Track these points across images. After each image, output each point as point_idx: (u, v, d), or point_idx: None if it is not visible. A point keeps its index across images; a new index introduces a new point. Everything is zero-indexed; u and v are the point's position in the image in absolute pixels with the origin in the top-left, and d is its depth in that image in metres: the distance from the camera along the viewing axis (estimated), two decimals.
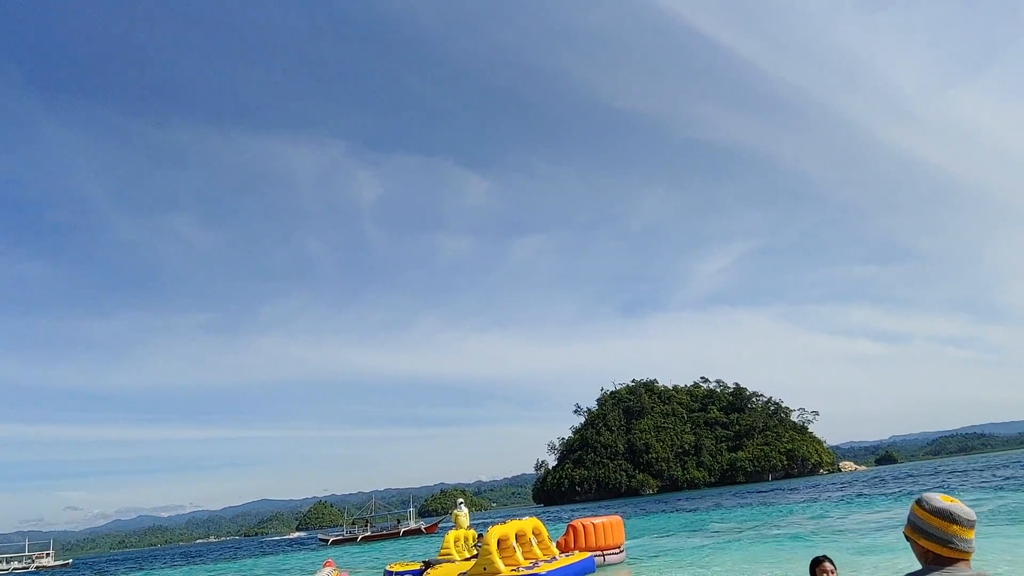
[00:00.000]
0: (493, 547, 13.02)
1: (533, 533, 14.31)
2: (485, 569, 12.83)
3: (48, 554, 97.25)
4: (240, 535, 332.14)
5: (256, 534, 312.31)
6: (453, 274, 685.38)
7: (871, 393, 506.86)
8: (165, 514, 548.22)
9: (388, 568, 20.76)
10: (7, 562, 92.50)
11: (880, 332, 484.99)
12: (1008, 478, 41.20)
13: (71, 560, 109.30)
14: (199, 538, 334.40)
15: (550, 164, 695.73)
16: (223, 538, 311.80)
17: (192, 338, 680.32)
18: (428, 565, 18.15)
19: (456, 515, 20.40)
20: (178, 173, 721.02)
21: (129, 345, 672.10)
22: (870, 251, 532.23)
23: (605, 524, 15.74)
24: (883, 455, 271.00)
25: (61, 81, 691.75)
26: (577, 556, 13.97)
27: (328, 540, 69.51)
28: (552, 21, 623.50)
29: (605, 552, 15.42)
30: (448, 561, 17.55)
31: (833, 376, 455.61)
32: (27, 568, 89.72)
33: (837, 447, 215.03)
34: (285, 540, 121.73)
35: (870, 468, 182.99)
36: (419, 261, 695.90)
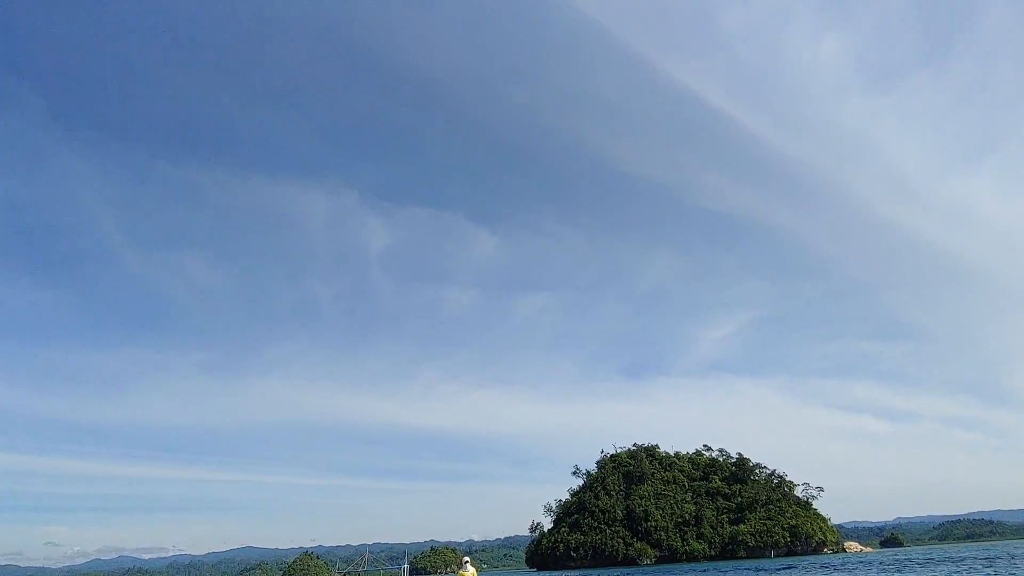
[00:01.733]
0: None
1: None
2: None
3: None
4: None
5: None
6: (456, 327, 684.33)
7: (876, 472, 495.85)
8: (147, 556, 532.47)
9: None
10: None
11: (885, 409, 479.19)
12: None
13: None
14: None
15: (558, 223, 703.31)
16: None
17: (189, 376, 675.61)
18: None
19: (462, 574, 19.73)
20: (191, 211, 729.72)
21: (126, 380, 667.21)
22: (874, 327, 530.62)
23: None
24: (888, 537, 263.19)
25: (82, 115, 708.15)
26: None
27: None
28: (567, 86, 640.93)
29: None
30: None
31: (837, 452, 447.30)
32: None
33: (840, 526, 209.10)
34: None
35: (876, 551, 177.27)
36: (423, 312, 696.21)
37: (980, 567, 45.27)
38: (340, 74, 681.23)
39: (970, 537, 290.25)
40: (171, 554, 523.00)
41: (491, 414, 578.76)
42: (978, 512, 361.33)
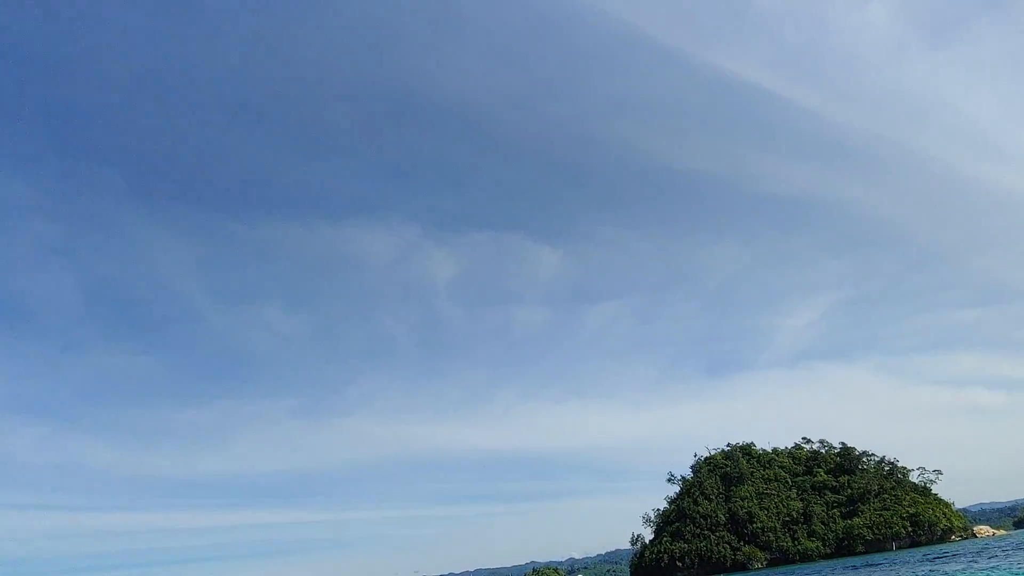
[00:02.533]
0: None
1: None
2: None
3: None
4: None
5: None
6: (529, 346, 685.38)
7: (997, 447, 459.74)
8: None
9: None
10: None
11: (997, 379, 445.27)
12: None
13: None
14: None
15: (618, 230, 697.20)
16: None
17: (281, 422, 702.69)
18: None
19: None
20: (265, 265, 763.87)
21: (223, 432, 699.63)
22: (970, 294, 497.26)
23: None
24: (1022, 517, 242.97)
25: (157, 187, 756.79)
26: None
27: None
28: (607, 93, 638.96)
29: None
30: None
31: (949, 430, 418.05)
32: None
33: (965, 510, 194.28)
34: None
35: (1010, 532, 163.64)
36: (495, 335, 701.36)
37: None
38: (385, 114, 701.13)
39: None
40: None
41: (574, 428, 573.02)
42: None
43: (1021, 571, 28.63)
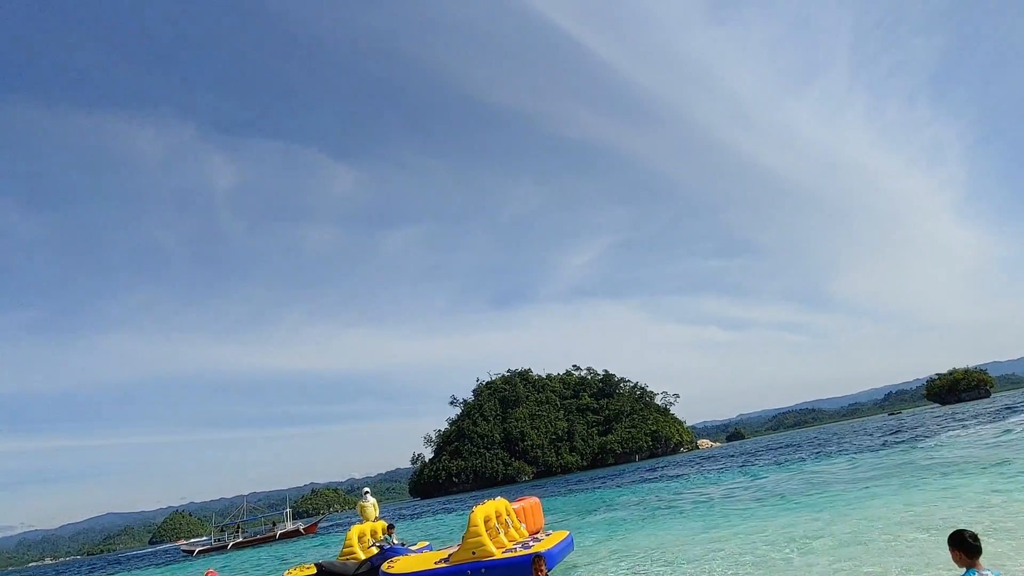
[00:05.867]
0: (482, 528, 12.52)
1: (506, 514, 13.88)
2: (474, 553, 12.23)
3: None
4: (82, 554, 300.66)
5: (102, 552, 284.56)
6: (319, 266, 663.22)
7: (720, 376, 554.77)
8: None
9: (285, 575, 19.31)
10: None
11: (727, 320, 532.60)
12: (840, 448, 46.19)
13: None
14: (32, 561, 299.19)
15: (420, 156, 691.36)
16: (61, 559, 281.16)
17: (16, 338, 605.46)
18: (321, 568, 16.93)
19: (362, 506, 19.48)
20: None
21: None
22: (718, 245, 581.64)
23: (526, 508, 15.45)
24: (732, 432, 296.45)
25: None
26: (559, 534, 13.82)
27: (193, 551, 64.07)
28: (424, 12, 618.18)
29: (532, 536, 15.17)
30: (353, 558, 16.57)
31: (688, 361, 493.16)
32: None
33: (692, 427, 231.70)
34: (141, 554, 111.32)
35: (723, 445, 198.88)
36: (283, 253, 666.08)
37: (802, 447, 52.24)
38: None
39: (797, 425, 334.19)
40: (19, 531, 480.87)
41: (363, 352, 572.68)
42: (803, 403, 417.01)
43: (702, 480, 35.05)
